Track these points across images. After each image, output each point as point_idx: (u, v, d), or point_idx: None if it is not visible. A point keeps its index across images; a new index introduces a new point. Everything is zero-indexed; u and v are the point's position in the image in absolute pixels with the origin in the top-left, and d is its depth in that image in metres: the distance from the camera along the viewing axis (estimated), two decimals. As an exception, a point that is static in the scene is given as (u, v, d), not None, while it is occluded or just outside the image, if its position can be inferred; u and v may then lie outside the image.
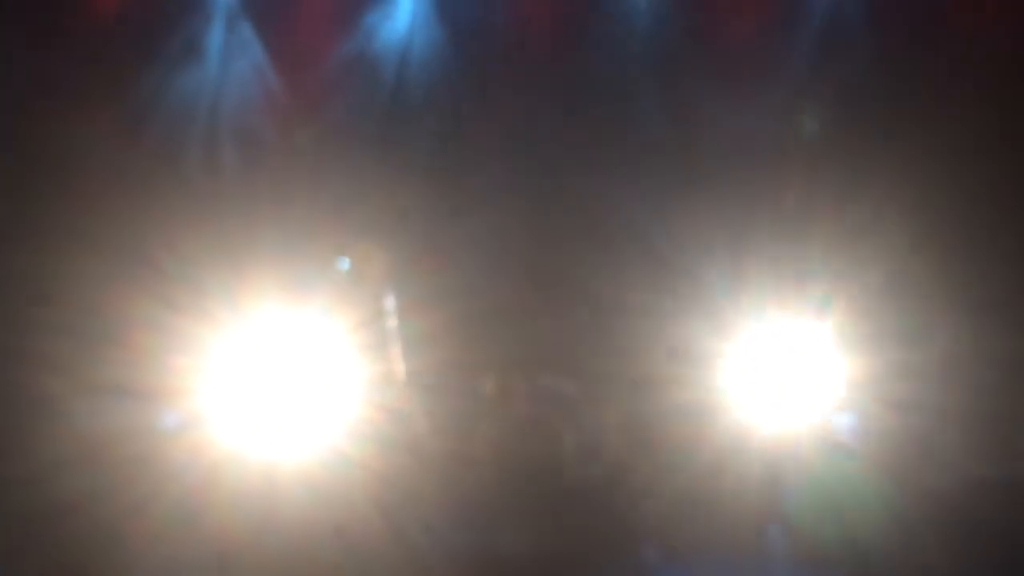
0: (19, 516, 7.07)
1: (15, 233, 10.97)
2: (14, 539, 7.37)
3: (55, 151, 10.81)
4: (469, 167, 11.12)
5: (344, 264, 9.63)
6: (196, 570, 7.59)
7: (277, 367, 8.30)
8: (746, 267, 9.79)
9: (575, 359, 8.59)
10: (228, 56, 11.41)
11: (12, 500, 7.15)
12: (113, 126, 11.09)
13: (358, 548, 7.52)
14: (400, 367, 8.12)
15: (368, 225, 10.06)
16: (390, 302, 8.60)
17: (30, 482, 7.26)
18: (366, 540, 7.51)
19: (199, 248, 9.78)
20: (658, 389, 8.45)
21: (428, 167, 11.28)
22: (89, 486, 7.71)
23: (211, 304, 8.56)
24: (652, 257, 10.75)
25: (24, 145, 11.16)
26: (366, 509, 7.48)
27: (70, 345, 8.79)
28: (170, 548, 7.55)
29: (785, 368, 8.77)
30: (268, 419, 8.14)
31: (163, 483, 7.74)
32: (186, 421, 8.01)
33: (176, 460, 7.83)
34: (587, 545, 7.70)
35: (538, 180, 11.36)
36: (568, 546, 7.63)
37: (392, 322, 8.43)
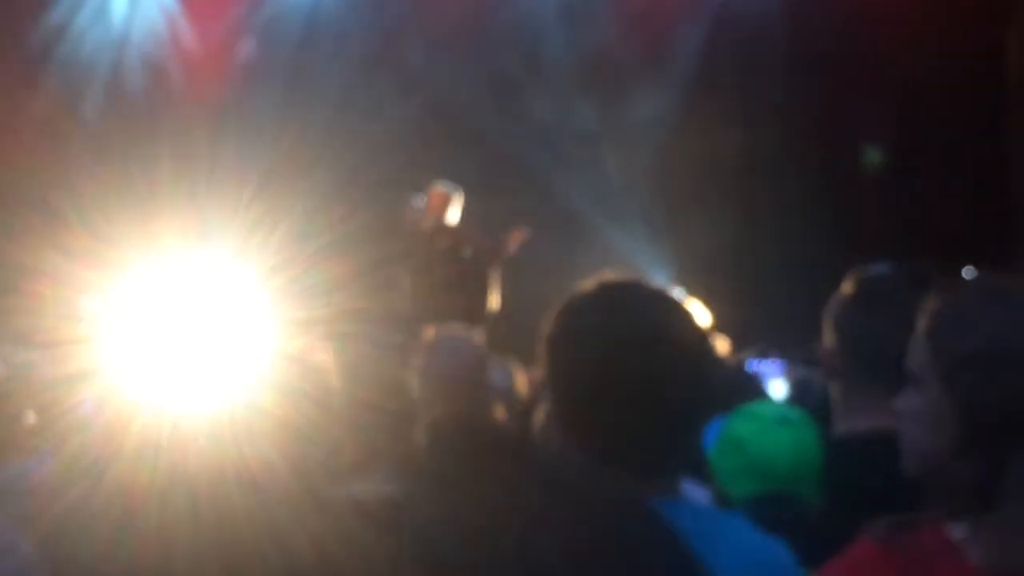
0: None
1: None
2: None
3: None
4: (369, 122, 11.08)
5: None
6: (100, 522, 7.44)
7: (183, 316, 8.13)
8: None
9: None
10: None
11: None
12: (9, 70, 10.81)
13: (266, 498, 7.42)
14: (306, 315, 7.99)
15: (273, 172, 9.92)
16: (297, 250, 8.47)
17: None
18: (274, 489, 7.41)
19: (100, 194, 9.57)
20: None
21: (331, 115, 11.18)
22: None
23: (114, 251, 8.36)
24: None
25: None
26: (273, 458, 7.37)
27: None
28: (72, 500, 7.40)
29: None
30: (174, 369, 7.97)
31: (65, 434, 7.56)
32: (89, 371, 7.82)
33: (78, 411, 7.65)
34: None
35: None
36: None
37: (299, 270, 8.30)
